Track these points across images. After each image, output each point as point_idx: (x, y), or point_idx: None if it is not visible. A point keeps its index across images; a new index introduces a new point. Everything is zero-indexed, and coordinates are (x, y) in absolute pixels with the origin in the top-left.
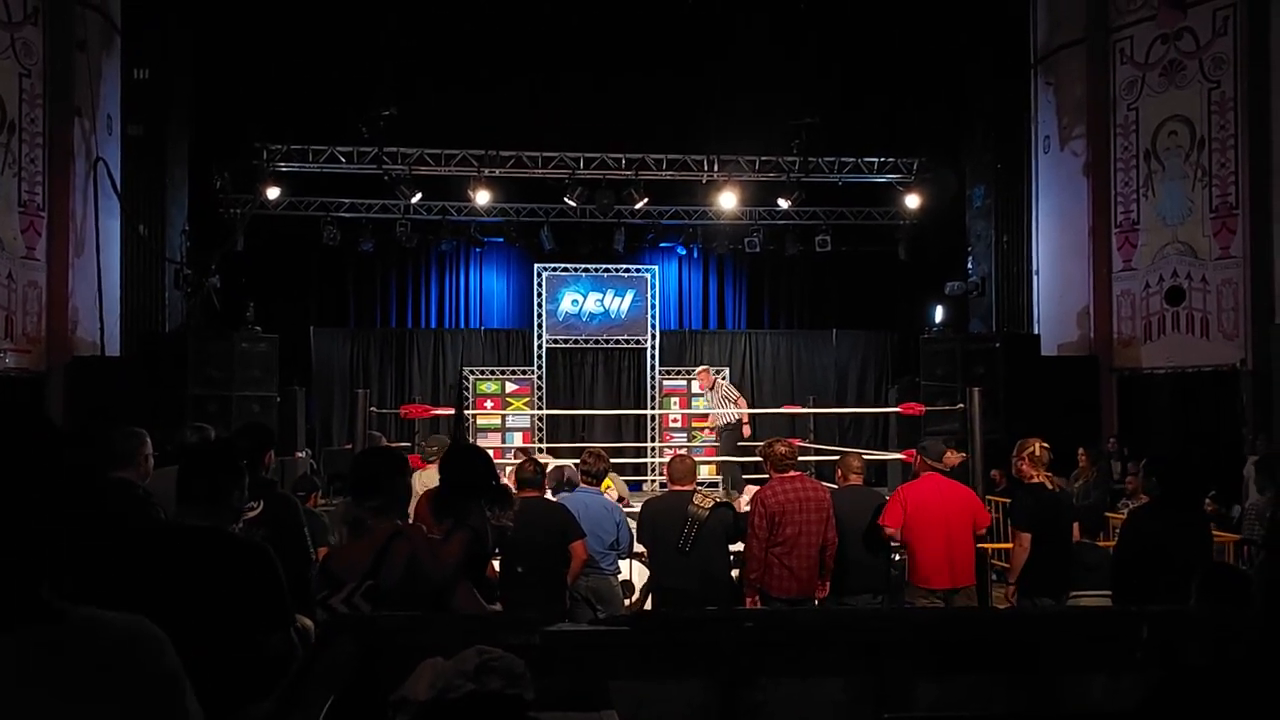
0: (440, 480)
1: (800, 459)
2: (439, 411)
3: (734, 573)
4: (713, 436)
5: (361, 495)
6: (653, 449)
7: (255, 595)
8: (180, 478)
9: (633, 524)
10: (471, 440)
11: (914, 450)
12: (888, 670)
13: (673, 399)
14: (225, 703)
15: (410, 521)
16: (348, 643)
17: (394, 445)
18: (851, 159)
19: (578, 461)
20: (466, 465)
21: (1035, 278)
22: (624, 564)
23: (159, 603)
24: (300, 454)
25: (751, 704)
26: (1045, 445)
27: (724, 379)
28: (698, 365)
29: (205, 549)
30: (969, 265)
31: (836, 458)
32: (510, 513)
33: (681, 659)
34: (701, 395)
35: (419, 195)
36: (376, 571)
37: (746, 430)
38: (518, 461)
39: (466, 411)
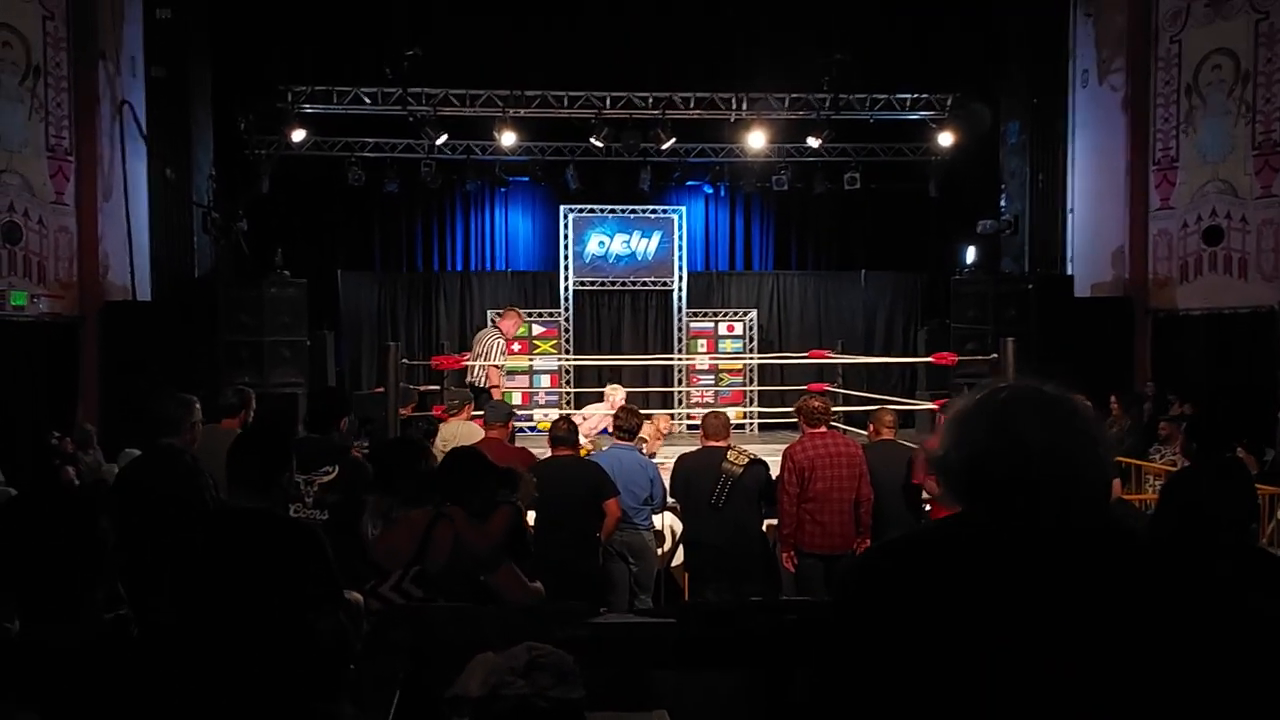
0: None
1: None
2: (469, 361)
3: (766, 525)
4: (739, 379)
5: (390, 492)
6: (680, 395)
7: (305, 576)
8: (231, 460)
9: (666, 478)
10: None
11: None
12: None
13: (700, 341)
14: (281, 684)
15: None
16: (403, 637)
17: (424, 389)
18: (883, 95)
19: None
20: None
21: (1070, 216)
22: (655, 517)
23: (216, 585)
24: None
25: (791, 693)
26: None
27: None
28: (725, 308)
29: (256, 531)
30: (1002, 203)
31: (867, 409)
32: (524, 492)
33: (723, 648)
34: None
35: (444, 136)
36: (422, 557)
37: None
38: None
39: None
